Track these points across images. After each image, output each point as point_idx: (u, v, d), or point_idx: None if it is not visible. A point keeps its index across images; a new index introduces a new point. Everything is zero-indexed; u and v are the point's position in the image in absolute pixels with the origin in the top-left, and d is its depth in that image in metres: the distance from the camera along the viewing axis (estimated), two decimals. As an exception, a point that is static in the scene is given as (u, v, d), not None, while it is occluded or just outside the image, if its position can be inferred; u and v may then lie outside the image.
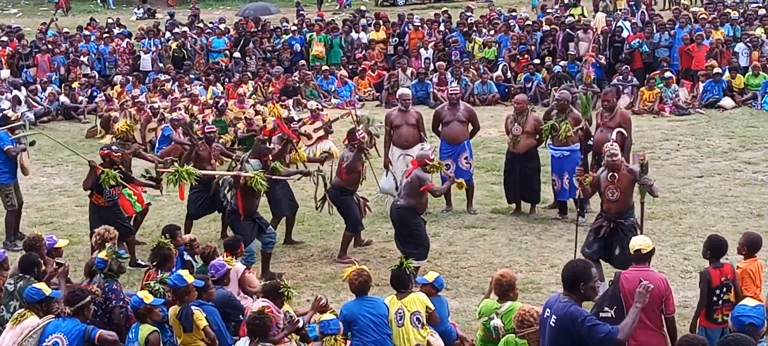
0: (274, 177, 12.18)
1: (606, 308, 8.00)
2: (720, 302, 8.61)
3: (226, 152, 14.88)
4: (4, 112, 21.47)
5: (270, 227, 12.24)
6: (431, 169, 11.94)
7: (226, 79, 25.15)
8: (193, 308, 8.50)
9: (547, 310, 7.05)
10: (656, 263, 9.06)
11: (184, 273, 8.81)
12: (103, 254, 9.24)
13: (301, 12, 33.38)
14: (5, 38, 28.14)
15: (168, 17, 34.66)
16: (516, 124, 14.13)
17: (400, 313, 8.82)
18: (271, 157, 12.37)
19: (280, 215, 13.25)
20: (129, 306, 8.72)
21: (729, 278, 8.66)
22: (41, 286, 8.76)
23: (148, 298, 8.40)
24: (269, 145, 13.21)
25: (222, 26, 29.51)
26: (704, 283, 8.67)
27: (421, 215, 11.85)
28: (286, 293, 9.04)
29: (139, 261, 12.23)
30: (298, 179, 13.36)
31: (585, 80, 12.18)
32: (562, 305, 6.88)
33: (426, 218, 12.40)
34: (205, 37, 27.96)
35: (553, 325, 6.90)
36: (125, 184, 12.40)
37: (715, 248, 8.81)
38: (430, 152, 12.58)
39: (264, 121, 19.18)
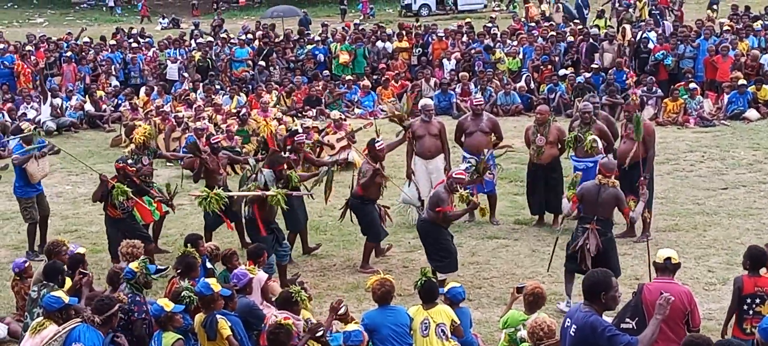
0: (294, 194, 12.20)
1: (627, 319, 8.00)
2: (750, 311, 8.55)
3: (234, 158, 14.95)
4: (18, 124, 21.66)
5: (285, 241, 12.28)
6: (458, 192, 11.63)
7: (250, 89, 25.24)
8: (217, 316, 8.53)
9: (568, 319, 7.06)
10: (680, 275, 9.02)
11: (211, 282, 8.85)
12: (134, 265, 9.22)
13: (325, 23, 33.52)
14: (30, 47, 28.31)
15: (193, 27, 34.83)
16: (538, 135, 14.10)
17: (425, 323, 8.81)
18: (285, 167, 12.43)
19: (296, 230, 13.21)
20: (150, 314, 8.75)
21: (764, 291, 8.57)
22: (60, 294, 8.82)
23: (168, 306, 8.43)
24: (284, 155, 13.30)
25: (243, 36, 29.61)
26: (736, 289, 8.64)
27: (446, 230, 11.78)
28: (298, 298, 9.01)
29: (160, 267, 12.25)
30: (313, 187, 13.31)
31: (632, 102, 12.27)
32: (582, 315, 6.89)
33: (450, 229, 12.36)
34: (228, 46, 28.06)
35: (573, 334, 6.91)
36: (143, 191, 12.45)
37: (754, 258, 8.76)
38: (466, 173, 12.13)
39: (287, 131, 19.20)
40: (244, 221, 12.45)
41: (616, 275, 8.87)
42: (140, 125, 20.66)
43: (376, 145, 12.75)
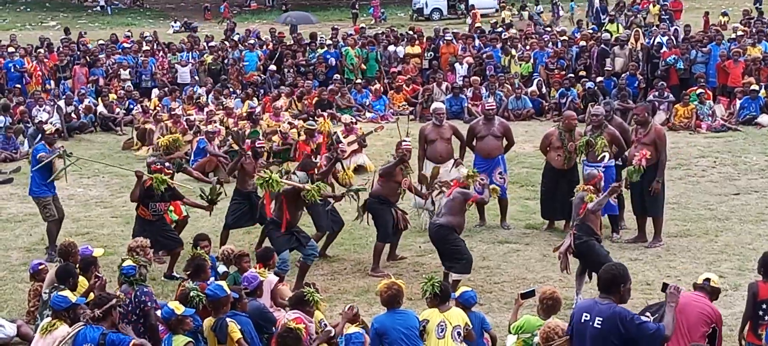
0: (328, 196, 12.27)
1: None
2: (766, 317, 8.52)
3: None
4: (41, 123, 21.73)
5: (312, 240, 12.31)
6: (470, 180, 11.96)
7: (262, 93, 25.28)
8: (227, 320, 8.54)
9: (585, 314, 7.12)
10: (691, 280, 9.06)
11: (223, 284, 8.87)
12: (131, 261, 9.30)
13: (336, 27, 33.55)
14: (42, 50, 28.39)
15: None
16: (568, 141, 14.02)
17: (442, 326, 8.79)
18: (316, 172, 12.50)
19: (323, 231, 13.23)
20: (161, 317, 8.78)
21: None
22: (67, 293, 8.89)
23: (179, 308, 8.46)
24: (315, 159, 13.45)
25: (252, 40, 29.66)
26: (750, 294, 8.62)
27: (459, 234, 11.80)
28: (311, 298, 9.03)
29: (175, 274, 12.30)
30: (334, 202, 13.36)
31: (636, 166, 12.39)
32: (606, 307, 7.03)
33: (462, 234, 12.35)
34: (238, 51, 28.11)
35: (598, 326, 7.00)
36: (174, 199, 12.54)
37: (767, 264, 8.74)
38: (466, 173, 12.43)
39: (299, 134, 19.24)
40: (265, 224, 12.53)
41: None
42: (152, 129, 20.89)
43: (404, 144, 12.86)
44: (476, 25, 34.19)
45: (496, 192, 12.61)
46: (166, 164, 12.90)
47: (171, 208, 13.13)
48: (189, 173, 14.93)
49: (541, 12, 40.06)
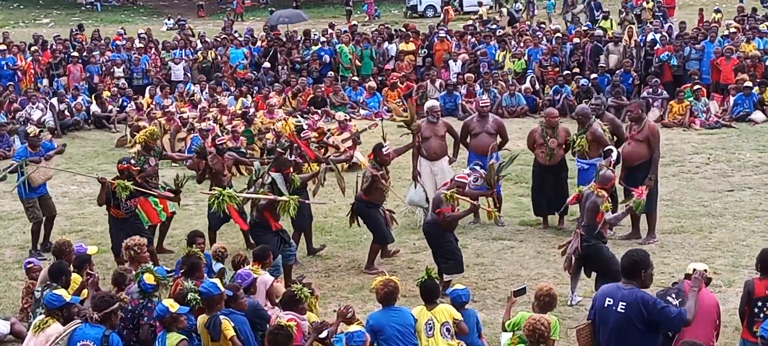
0: (307, 202, 12.21)
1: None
2: (761, 314, 8.53)
3: (241, 159, 14.96)
4: (24, 127, 21.70)
5: (291, 241, 12.29)
6: (449, 202, 11.46)
7: (255, 90, 25.25)
8: (221, 317, 8.52)
9: (608, 299, 7.38)
10: (681, 275, 9.11)
11: (217, 282, 8.85)
12: (150, 278, 9.01)
13: (333, 24, 33.53)
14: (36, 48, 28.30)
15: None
16: (550, 137, 14.06)
17: (429, 324, 8.81)
18: (291, 170, 12.44)
19: (301, 229, 13.20)
20: (154, 315, 8.74)
21: None
22: (61, 292, 8.86)
23: (173, 306, 8.43)
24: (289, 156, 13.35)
25: (240, 38, 29.65)
26: (745, 292, 8.63)
27: (450, 232, 11.77)
28: (302, 296, 9.02)
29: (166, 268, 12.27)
30: (315, 191, 13.34)
31: (637, 199, 12.44)
32: (629, 292, 7.29)
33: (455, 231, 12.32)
34: (222, 47, 28.07)
35: (621, 311, 7.26)
36: (145, 192, 12.44)
37: (766, 262, 8.73)
38: (468, 178, 12.15)
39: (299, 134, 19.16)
40: (249, 223, 12.47)
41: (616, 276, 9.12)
42: (145, 125, 20.84)
43: (383, 149, 12.75)
44: (449, 21, 34.54)
45: (492, 215, 12.57)
46: (132, 161, 12.70)
47: (161, 206, 13.09)
48: (171, 158, 15.04)
49: (521, 10, 40.26)
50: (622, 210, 11.70)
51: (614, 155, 12.97)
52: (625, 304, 7.24)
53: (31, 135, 13.98)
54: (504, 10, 38.68)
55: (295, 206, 11.79)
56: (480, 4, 41.73)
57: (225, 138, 15.33)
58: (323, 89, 24.81)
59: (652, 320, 7.20)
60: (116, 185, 12.00)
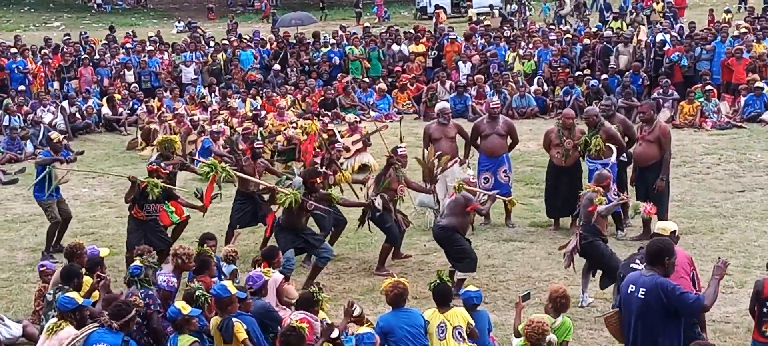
0: (310, 201, 12.17)
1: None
2: None
3: (271, 169, 14.98)
4: (44, 125, 21.79)
5: (326, 242, 12.34)
6: (456, 191, 11.93)
7: (264, 92, 25.27)
8: (233, 319, 8.54)
9: (631, 286, 7.56)
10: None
11: (228, 284, 8.87)
12: (138, 261, 9.38)
13: (343, 26, 33.53)
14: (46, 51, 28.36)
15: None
16: (565, 138, 14.04)
17: (442, 326, 8.80)
18: (319, 181, 12.47)
19: (326, 231, 13.20)
20: (167, 316, 8.78)
21: None
22: (74, 295, 8.87)
23: (185, 308, 8.45)
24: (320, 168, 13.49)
25: (247, 39, 29.72)
26: (755, 291, 8.60)
27: (463, 235, 11.80)
28: (317, 297, 9.08)
29: None
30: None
31: (643, 213, 12.45)
32: (649, 278, 7.47)
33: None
34: (231, 50, 28.12)
35: (641, 297, 7.44)
36: (175, 194, 12.56)
37: None
38: (472, 176, 12.81)
39: (304, 134, 19.21)
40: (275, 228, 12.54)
41: (615, 272, 9.51)
42: (156, 129, 20.89)
43: (399, 150, 12.86)
44: (440, 25, 34.59)
45: (512, 203, 12.99)
46: (162, 164, 12.93)
47: (172, 209, 13.14)
48: (193, 171, 14.97)
49: (515, 11, 40.25)
50: (615, 200, 11.76)
51: (614, 157, 13.13)
52: (645, 290, 7.42)
53: (54, 141, 14.12)
54: (495, 12, 38.83)
55: (295, 200, 11.79)
56: (491, 7, 41.70)
57: (261, 143, 15.39)
58: (334, 90, 24.85)
59: (671, 305, 7.32)
60: (147, 182, 12.07)
